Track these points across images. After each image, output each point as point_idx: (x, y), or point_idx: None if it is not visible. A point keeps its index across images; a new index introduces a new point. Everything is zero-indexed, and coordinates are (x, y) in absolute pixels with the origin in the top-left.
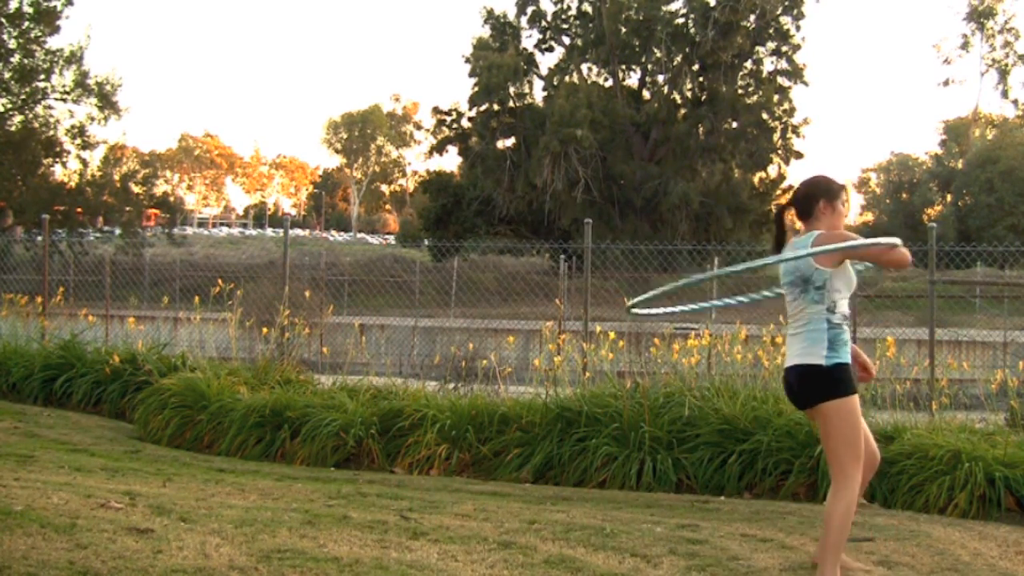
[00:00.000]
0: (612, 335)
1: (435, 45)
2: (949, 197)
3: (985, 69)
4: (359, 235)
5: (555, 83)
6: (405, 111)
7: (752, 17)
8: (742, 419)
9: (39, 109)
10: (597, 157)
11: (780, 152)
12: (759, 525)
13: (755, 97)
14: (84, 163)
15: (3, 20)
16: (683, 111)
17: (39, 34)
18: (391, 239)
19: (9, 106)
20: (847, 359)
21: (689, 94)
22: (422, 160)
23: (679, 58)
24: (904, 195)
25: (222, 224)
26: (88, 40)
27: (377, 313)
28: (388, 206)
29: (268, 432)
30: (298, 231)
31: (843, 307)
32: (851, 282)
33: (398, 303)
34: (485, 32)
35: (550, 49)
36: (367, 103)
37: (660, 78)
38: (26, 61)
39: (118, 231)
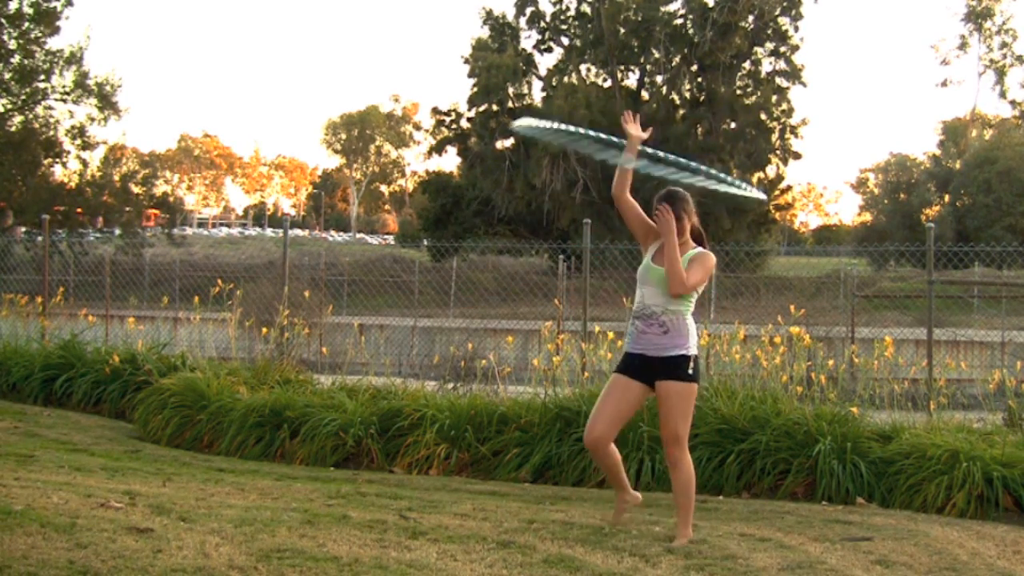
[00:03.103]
0: (611, 335)
1: (434, 46)
2: (947, 197)
3: (983, 70)
4: (358, 235)
5: (554, 83)
6: (404, 111)
7: (750, 18)
8: (740, 419)
9: (39, 109)
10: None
11: (778, 152)
12: (757, 524)
13: (753, 98)
14: (84, 163)
15: (3, 21)
16: (682, 111)
17: (39, 35)
18: (390, 239)
19: (9, 106)
20: (625, 348)
21: (688, 95)
22: (421, 160)
23: (678, 59)
24: (902, 195)
25: (222, 224)
26: (88, 40)
27: (376, 313)
28: (387, 206)
29: (268, 432)
30: (297, 231)
31: (637, 298)
32: (642, 273)
33: (397, 303)
34: (484, 33)
35: (549, 50)
36: (366, 104)
37: (659, 79)
38: (26, 62)
39: (118, 231)
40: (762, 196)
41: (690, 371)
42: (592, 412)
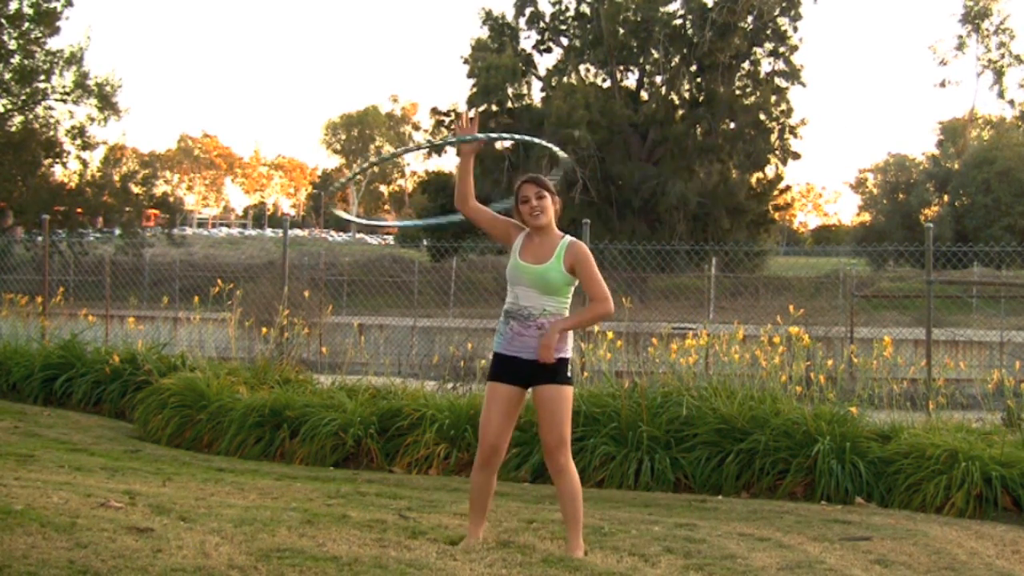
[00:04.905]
0: (610, 335)
1: (434, 46)
2: (946, 197)
3: (981, 70)
4: (358, 235)
5: (553, 84)
6: (404, 112)
7: (749, 18)
8: (740, 419)
9: (39, 110)
10: (595, 158)
11: (777, 153)
12: (756, 524)
13: (752, 98)
14: (84, 164)
15: (3, 21)
16: (681, 112)
17: (39, 35)
18: (390, 239)
19: (9, 107)
20: (495, 348)
21: (687, 95)
22: (421, 161)
23: (677, 59)
24: (901, 195)
25: (221, 224)
26: (88, 41)
27: (376, 313)
28: (387, 206)
29: (267, 432)
30: (297, 231)
31: (510, 297)
32: (511, 272)
33: (397, 303)
34: (484, 33)
35: (548, 50)
36: (366, 104)
37: (658, 79)
38: (26, 62)
39: (118, 231)
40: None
41: (568, 374)
42: (481, 424)
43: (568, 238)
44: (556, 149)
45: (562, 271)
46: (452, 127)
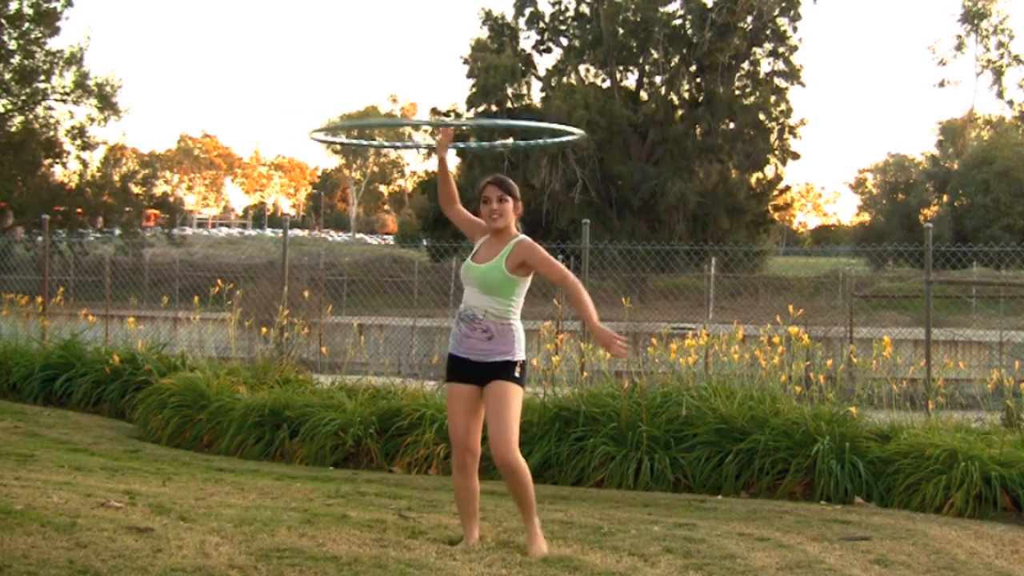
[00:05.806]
0: None
1: (433, 46)
2: (945, 198)
3: (980, 70)
4: (358, 235)
5: (552, 84)
6: (403, 112)
7: (749, 18)
8: (739, 419)
9: (39, 110)
10: (595, 158)
11: (777, 153)
12: (756, 524)
13: (752, 98)
14: (84, 164)
15: (3, 21)
16: (680, 112)
17: (39, 35)
18: (390, 239)
19: (9, 107)
20: (449, 348)
21: (686, 95)
22: (420, 161)
23: (676, 59)
24: (900, 196)
25: (221, 224)
26: (88, 41)
27: (376, 313)
28: (387, 206)
29: (267, 431)
30: (297, 231)
31: (463, 298)
32: (462, 272)
33: (397, 303)
34: (483, 33)
35: (548, 50)
36: (366, 104)
37: (657, 79)
38: (26, 62)
39: (118, 231)
40: (574, 132)
41: (516, 374)
42: (450, 429)
43: (518, 238)
44: (568, 129)
45: (503, 270)
46: (435, 133)
